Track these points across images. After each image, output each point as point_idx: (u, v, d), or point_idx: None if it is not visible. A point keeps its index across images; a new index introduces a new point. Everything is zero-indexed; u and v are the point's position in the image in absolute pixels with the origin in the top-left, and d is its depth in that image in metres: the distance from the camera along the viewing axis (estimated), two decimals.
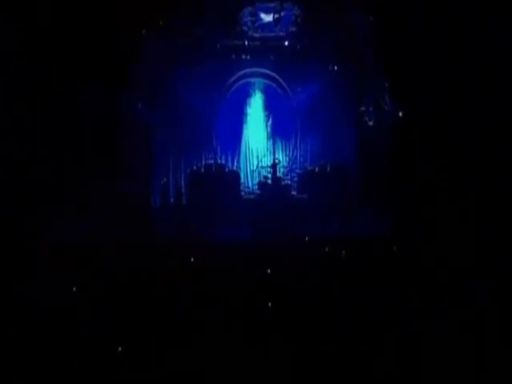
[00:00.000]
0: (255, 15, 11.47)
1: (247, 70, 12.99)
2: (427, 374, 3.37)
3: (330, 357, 3.55)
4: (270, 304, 4.38)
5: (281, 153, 13.23)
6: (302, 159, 13.19)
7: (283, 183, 12.33)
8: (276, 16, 11.24)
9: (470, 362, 3.35)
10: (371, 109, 11.73)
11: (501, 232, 6.88)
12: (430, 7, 8.91)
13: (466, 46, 8.74)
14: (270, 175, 12.11)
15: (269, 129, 13.25)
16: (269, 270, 5.69)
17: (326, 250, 6.92)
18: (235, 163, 13.19)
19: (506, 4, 7.55)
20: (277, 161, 12.31)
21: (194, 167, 12.51)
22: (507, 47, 7.72)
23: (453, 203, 8.39)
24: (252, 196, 12.44)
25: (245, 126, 13.28)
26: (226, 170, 12.33)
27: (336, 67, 12.55)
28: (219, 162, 12.75)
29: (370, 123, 11.87)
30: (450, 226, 7.72)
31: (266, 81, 13.22)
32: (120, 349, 3.57)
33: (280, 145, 13.28)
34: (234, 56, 12.50)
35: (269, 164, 12.46)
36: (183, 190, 12.27)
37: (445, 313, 4.25)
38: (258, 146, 13.32)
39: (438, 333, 3.74)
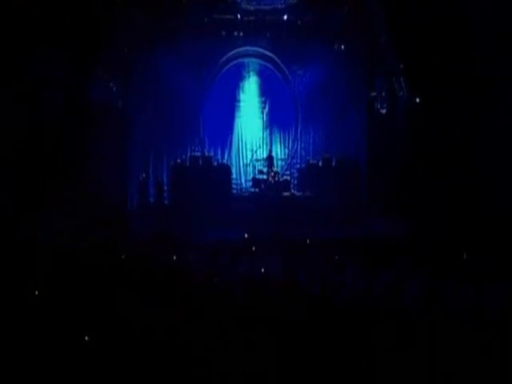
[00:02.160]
0: None
1: (240, 49, 12.39)
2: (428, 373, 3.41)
3: (329, 358, 3.52)
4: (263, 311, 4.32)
5: (279, 145, 12.80)
6: (303, 152, 12.67)
7: (281, 179, 11.85)
8: None
9: (470, 363, 3.36)
10: (384, 94, 11.39)
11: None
12: None
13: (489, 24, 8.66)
14: (265, 170, 11.79)
15: (265, 117, 12.73)
16: (263, 270, 5.66)
17: (330, 253, 6.78)
18: (226, 156, 12.70)
19: None
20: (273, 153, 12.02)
21: (178, 160, 11.93)
22: None
23: (469, 202, 8.59)
24: (245, 194, 12.07)
25: (237, 113, 12.75)
26: (215, 163, 11.85)
27: (343, 46, 11.99)
28: (207, 154, 12.21)
29: (383, 111, 11.53)
30: (464, 225, 7.91)
31: (262, 61, 12.65)
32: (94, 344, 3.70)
33: (278, 136, 12.81)
34: (224, 32, 11.84)
35: (264, 157, 12.12)
36: (165, 188, 11.61)
37: (448, 313, 4.37)
38: (252, 136, 12.80)
39: (438, 332, 3.80)
